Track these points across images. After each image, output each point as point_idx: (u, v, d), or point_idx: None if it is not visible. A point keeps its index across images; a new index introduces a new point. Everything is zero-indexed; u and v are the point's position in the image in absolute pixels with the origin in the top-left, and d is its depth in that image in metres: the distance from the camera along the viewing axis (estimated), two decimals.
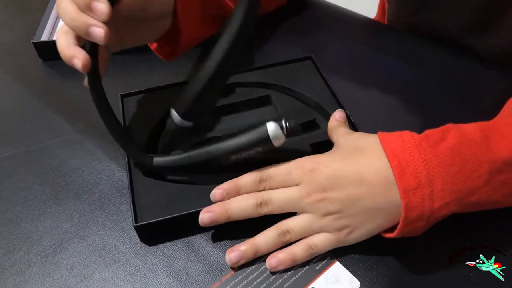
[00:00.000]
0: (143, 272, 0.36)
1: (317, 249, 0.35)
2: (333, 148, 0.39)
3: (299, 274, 0.35)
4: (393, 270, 0.36)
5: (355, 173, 0.35)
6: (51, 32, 0.60)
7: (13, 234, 0.39)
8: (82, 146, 0.47)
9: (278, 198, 0.36)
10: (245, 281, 0.35)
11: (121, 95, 0.48)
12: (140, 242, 0.38)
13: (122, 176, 0.43)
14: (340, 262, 0.36)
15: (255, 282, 0.35)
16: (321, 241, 0.35)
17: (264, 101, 0.48)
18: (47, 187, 0.43)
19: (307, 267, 0.36)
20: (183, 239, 0.38)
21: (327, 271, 0.36)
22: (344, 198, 0.35)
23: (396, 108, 0.49)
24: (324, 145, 0.41)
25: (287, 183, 0.37)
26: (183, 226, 0.38)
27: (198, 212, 0.37)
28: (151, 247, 0.38)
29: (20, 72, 0.56)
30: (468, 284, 0.36)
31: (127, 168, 0.41)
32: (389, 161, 0.34)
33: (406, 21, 0.62)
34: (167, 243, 0.38)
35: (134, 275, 0.36)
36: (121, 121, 0.45)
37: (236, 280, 0.35)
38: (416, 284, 0.36)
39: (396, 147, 0.34)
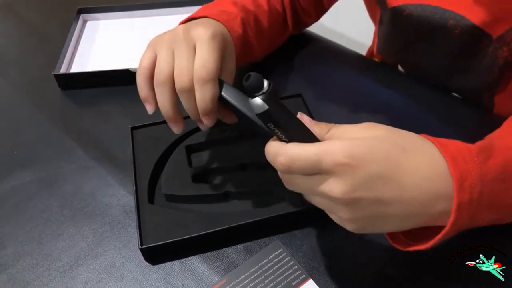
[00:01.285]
0: (146, 287, 0.42)
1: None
2: (368, 137, 0.33)
3: (280, 285, 0.41)
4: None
5: (396, 182, 0.31)
6: (69, 63, 0.66)
7: (36, 251, 0.46)
8: (96, 172, 0.53)
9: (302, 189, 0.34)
10: None
11: (131, 127, 0.54)
12: (144, 261, 0.44)
13: (130, 201, 0.49)
14: (314, 280, 0.42)
15: None
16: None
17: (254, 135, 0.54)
18: (66, 209, 0.49)
19: (285, 282, 0.42)
20: (181, 260, 0.44)
21: (301, 286, 0.42)
22: (373, 212, 0.32)
23: None
24: None
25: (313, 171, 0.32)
26: (182, 249, 0.44)
27: (195, 238, 0.43)
28: (154, 266, 0.44)
29: (42, 102, 0.63)
30: (468, 284, 0.37)
31: (135, 194, 0.47)
32: (450, 170, 0.31)
33: (392, 58, 0.68)
34: (168, 263, 0.44)
35: None
36: (131, 151, 0.52)
37: None
38: (416, 284, 0.38)
39: (457, 155, 0.32)
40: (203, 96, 0.41)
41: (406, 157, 0.31)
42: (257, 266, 0.43)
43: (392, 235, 0.36)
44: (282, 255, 0.44)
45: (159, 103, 0.43)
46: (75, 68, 0.66)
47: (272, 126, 0.33)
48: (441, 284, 0.38)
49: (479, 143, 0.34)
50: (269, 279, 0.42)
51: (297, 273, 0.43)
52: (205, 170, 0.50)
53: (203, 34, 0.43)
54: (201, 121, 0.43)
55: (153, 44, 0.45)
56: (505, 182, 0.33)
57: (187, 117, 0.53)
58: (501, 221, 0.37)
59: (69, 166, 0.54)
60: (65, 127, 0.59)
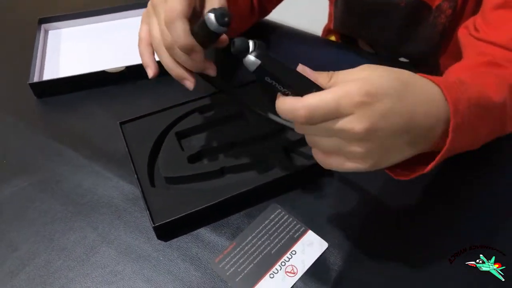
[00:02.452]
0: (163, 262, 0.46)
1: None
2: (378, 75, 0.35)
3: (282, 241, 0.47)
4: (364, 238, 0.48)
5: (406, 113, 0.34)
6: (40, 72, 0.68)
7: (50, 248, 0.48)
8: (91, 169, 0.55)
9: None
10: (242, 251, 0.46)
11: (119, 122, 0.57)
12: (157, 239, 0.48)
13: (131, 189, 0.52)
14: (312, 230, 0.47)
15: (250, 251, 0.46)
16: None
17: (239, 116, 0.59)
18: (69, 205, 0.51)
19: (287, 236, 0.47)
20: (191, 233, 0.48)
21: (303, 237, 0.47)
22: (387, 143, 0.34)
23: None
24: (294, 148, 0.53)
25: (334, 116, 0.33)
26: (190, 223, 0.48)
27: (201, 210, 0.47)
28: (167, 242, 0.47)
29: (21, 111, 0.63)
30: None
31: (138, 181, 0.50)
32: (446, 97, 0.35)
33: (348, 33, 0.75)
34: (179, 237, 0.48)
35: (157, 265, 0.46)
36: (122, 146, 0.55)
37: (235, 251, 0.46)
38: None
39: (448, 85, 0.36)
40: (175, 33, 0.42)
41: (409, 90, 0.35)
42: (261, 227, 0.48)
43: (392, 170, 0.39)
44: (281, 214, 0.49)
45: (164, 66, 0.46)
46: (47, 76, 0.67)
47: (271, 80, 0.34)
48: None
49: (455, 77, 0.40)
50: (273, 236, 0.48)
51: (297, 227, 0.48)
52: (198, 151, 0.54)
53: None
54: (186, 77, 0.46)
55: (144, 17, 0.49)
56: (480, 107, 0.39)
57: (180, 104, 0.57)
58: (471, 147, 0.42)
59: (64, 168, 0.56)
60: (51, 132, 0.60)
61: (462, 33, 0.56)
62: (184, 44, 0.42)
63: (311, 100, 0.33)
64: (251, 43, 0.34)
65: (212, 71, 0.47)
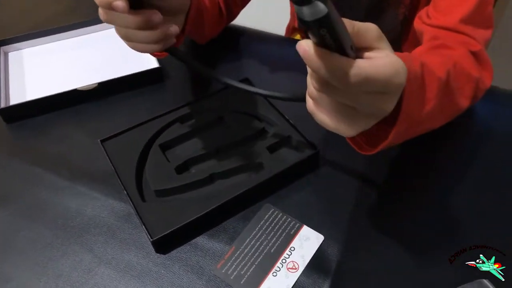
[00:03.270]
0: (166, 275, 0.46)
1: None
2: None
3: (280, 239, 0.48)
4: (358, 230, 0.49)
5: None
6: (6, 97, 0.65)
7: (44, 275, 0.46)
8: (76, 190, 0.54)
9: None
10: (242, 254, 0.47)
11: (100, 140, 0.56)
12: (156, 253, 0.48)
13: (121, 206, 0.52)
14: (307, 225, 0.49)
15: (250, 253, 0.47)
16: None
17: (219, 122, 0.59)
18: (59, 230, 0.50)
19: (284, 234, 0.48)
20: (189, 242, 0.48)
21: (299, 233, 0.48)
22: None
23: None
24: (278, 146, 0.55)
25: None
26: (187, 232, 0.48)
27: (197, 219, 0.47)
28: (166, 255, 0.47)
29: None
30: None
31: (128, 197, 0.50)
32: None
33: None
34: (178, 248, 0.48)
35: (160, 279, 0.46)
36: (106, 163, 0.54)
37: (235, 255, 0.47)
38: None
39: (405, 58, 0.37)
40: None
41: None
42: (257, 228, 0.49)
43: (356, 144, 0.42)
44: (275, 213, 0.50)
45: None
46: (14, 100, 0.65)
47: (326, 32, 0.30)
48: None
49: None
50: (270, 235, 0.49)
51: (292, 223, 0.49)
52: (185, 161, 0.54)
53: None
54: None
55: None
56: (423, 78, 0.41)
57: (159, 116, 0.57)
58: (430, 120, 0.44)
59: (46, 192, 0.54)
60: (26, 157, 0.58)
61: (417, 22, 0.60)
62: None
63: (369, 69, 0.32)
64: None
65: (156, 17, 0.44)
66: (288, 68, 0.69)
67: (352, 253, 0.47)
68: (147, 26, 0.44)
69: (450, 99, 0.48)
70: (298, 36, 0.83)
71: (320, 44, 0.31)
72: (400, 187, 0.53)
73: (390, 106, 0.35)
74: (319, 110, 0.37)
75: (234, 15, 0.73)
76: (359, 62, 0.31)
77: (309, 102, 0.38)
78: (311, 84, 0.36)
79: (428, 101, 0.42)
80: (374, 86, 0.33)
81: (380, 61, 0.32)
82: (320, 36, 0.30)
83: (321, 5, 0.28)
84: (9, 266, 0.47)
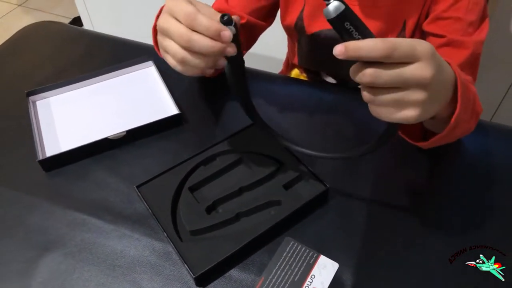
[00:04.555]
0: None
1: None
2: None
3: (301, 269, 0.56)
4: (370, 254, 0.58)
5: (445, 72, 0.44)
6: (41, 145, 0.72)
7: None
8: (118, 232, 0.61)
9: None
10: (271, 283, 0.55)
11: (136, 186, 0.64)
12: (197, 287, 0.55)
13: (161, 246, 0.59)
14: (323, 254, 0.57)
15: (277, 282, 0.55)
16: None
17: (238, 162, 0.67)
18: (108, 269, 0.58)
19: (305, 264, 0.56)
20: (224, 275, 0.56)
21: (317, 262, 0.57)
22: (435, 93, 0.42)
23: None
24: (292, 183, 0.63)
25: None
26: (222, 267, 0.56)
27: (231, 255, 0.55)
28: (206, 287, 0.55)
29: (35, 187, 0.68)
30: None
31: (168, 238, 0.58)
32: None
33: (311, 67, 0.86)
34: (215, 281, 0.56)
35: None
36: (143, 207, 0.62)
37: (265, 285, 0.55)
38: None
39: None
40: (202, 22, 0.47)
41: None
42: (281, 259, 0.57)
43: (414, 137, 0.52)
44: (295, 246, 0.59)
45: (202, 45, 0.48)
46: (49, 149, 0.72)
47: (349, 25, 0.39)
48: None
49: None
50: (293, 265, 0.57)
51: (310, 254, 0.58)
52: (213, 202, 0.62)
53: None
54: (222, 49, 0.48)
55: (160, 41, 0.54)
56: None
57: (186, 160, 0.64)
58: (467, 126, 0.55)
59: (92, 235, 0.61)
60: (68, 203, 0.65)
61: None
62: (214, 27, 0.47)
63: (393, 38, 0.38)
64: None
65: (231, 49, 0.49)
66: (292, 106, 0.77)
67: (364, 276, 0.55)
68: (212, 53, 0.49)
69: (473, 106, 0.55)
70: (296, 72, 0.92)
71: (351, 37, 0.40)
72: (402, 209, 0.61)
73: (429, 72, 0.39)
74: (381, 107, 0.42)
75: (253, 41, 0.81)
76: (384, 38, 0.38)
77: (371, 108, 0.43)
78: (364, 91, 0.43)
79: (471, 96, 0.50)
80: (402, 52, 0.38)
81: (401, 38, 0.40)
82: (346, 30, 0.40)
83: (337, 2, 0.39)
84: None
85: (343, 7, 0.39)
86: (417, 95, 0.40)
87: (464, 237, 0.43)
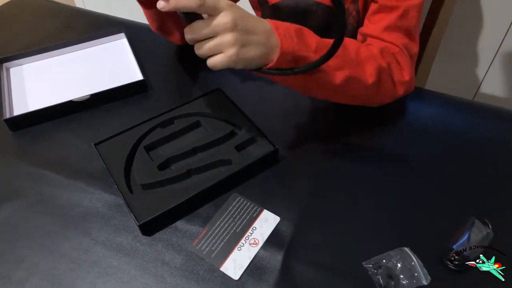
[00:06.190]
0: (150, 253, 0.56)
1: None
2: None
3: (244, 221, 0.58)
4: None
5: (257, 21, 0.53)
6: (10, 107, 0.75)
7: (50, 256, 0.57)
8: (74, 186, 0.64)
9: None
10: (213, 234, 0.57)
11: (94, 144, 0.66)
12: (142, 235, 0.58)
13: (113, 198, 0.62)
14: (267, 209, 0.59)
15: (219, 233, 0.57)
16: None
17: (195, 125, 0.70)
18: (61, 219, 0.60)
19: (248, 217, 0.59)
20: (170, 226, 0.59)
21: (260, 216, 0.59)
22: (245, 37, 0.52)
23: (291, 112, 0.74)
24: (244, 145, 0.65)
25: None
26: (168, 218, 0.59)
27: (176, 206, 0.58)
28: (151, 237, 0.58)
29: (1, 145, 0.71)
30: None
31: (118, 190, 0.60)
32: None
33: None
34: (160, 231, 0.58)
35: (146, 256, 0.56)
36: (101, 163, 0.64)
37: (208, 234, 0.57)
38: (358, 238, 0.51)
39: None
40: None
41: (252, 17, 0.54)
42: (226, 213, 0.60)
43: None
44: (241, 201, 0.61)
45: None
46: (17, 111, 0.75)
47: None
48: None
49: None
50: (236, 218, 0.59)
51: (254, 208, 0.60)
52: (166, 159, 0.64)
53: None
54: None
55: None
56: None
57: (144, 122, 0.67)
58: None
59: (50, 189, 0.64)
60: (31, 160, 0.68)
61: (358, 36, 0.73)
62: None
63: None
64: None
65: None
66: (259, 83, 0.80)
67: (303, 231, 0.57)
68: None
69: (348, 63, 0.60)
70: None
71: None
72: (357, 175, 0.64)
73: (229, 17, 0.50)
74: (210, 56, 0.51)
75: None
76: None
77: (200, 57, 0.52)
78: (196, 49, 0.52)
79: (309, 45, 0.56)
80: (210, 2, 0.48)
81: None
82: None
83: None
84: (21, 249, 0.57)
85: None
86: (227, 37, 0.50)
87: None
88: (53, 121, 0.74)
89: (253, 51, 0.52)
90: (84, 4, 1.81)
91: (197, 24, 0.50)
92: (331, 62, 0.56)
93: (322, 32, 0.79)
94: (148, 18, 0.74)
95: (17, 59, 0.84)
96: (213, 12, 0.50)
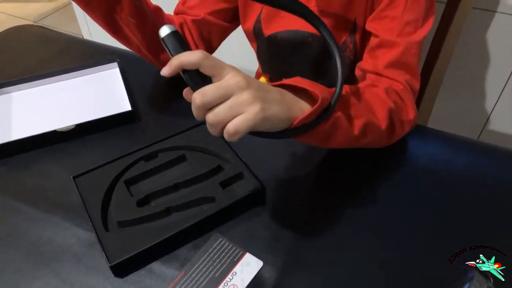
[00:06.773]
0: None
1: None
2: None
3: (224, 265, 0.54)
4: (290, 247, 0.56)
5: (273, 89, 0.49)
6: None
7: None
8: (49, 221, 0.61)
9: None
10: (190, 278, 0.53)
11: (72, 177, 0.63)
12: (114, 277, 0.54)
13: (88, 235, 0.58)
14: (250, 252, 0.55)
15: (196, 277, 0.53)
16: None
17: (181, 159, 0.67)
18: (31, 256, 0.57)
19: (228, 260, 0.54)
20: (144, 267, 0.55)
21: (241, 259, 0.55)
22: (262, 94, 0.46)
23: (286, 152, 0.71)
24: (230, 182, 0.62)
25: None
26: (143, 258, 0.55)
27: (151, 247, 0.54)
28: (123, 278, 0.54)
29: None
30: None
31: (92, 227, 0.57)
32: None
33: (275, 74, 0.86)
34: (134, 273, 0.54)
35: None
36: (77, 197, 0.61)
37: (184, 279, 0.53)
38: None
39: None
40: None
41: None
42: (205, 255, 0.56)
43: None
44: (222, 242, 0.57)
45: None
46: (1, 139, 0.73)
47: (166, 46, 0.48)
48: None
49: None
50: (216, 261, 0.55)
51: (236, 251, 0.56)
52: (146, 195, 0.61)
53: None
54: None
55: None
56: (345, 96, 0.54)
57: (127, 154, 0.64)
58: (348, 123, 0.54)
59: (22, 223, 0.61)
60: (6, 191, 0.65)
61: (356, 71, 0.69)
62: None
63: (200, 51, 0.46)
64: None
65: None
66: None
67: (286, 276, 0.53)
68: None
69: (360, 111, 0.56)
70: (263, 80, 0.92)
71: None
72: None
73: (239, 77, 0.45)
74: (222, 120, 0.45)
75: (213, 47, 0.82)
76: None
77: (215, 128, 0.46)
78: (207, 118, 0.46)
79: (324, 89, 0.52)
80: (211, 61, 0.45)
81: None
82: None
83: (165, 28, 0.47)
84: None
85: (166, 33, 0.47)
86: (245, 94, 0.44)
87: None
88: (35, 151, 0.71)
89: (275, 107, 0.46)
90: (90, 34, 1.83)
91: (207, 87, 0.44)
92: (351, 111, 0.53)
93: (317, 63, 0.77)
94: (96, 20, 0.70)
95: (5, 86, 0.82)
96: (217, 70, 0.45)
